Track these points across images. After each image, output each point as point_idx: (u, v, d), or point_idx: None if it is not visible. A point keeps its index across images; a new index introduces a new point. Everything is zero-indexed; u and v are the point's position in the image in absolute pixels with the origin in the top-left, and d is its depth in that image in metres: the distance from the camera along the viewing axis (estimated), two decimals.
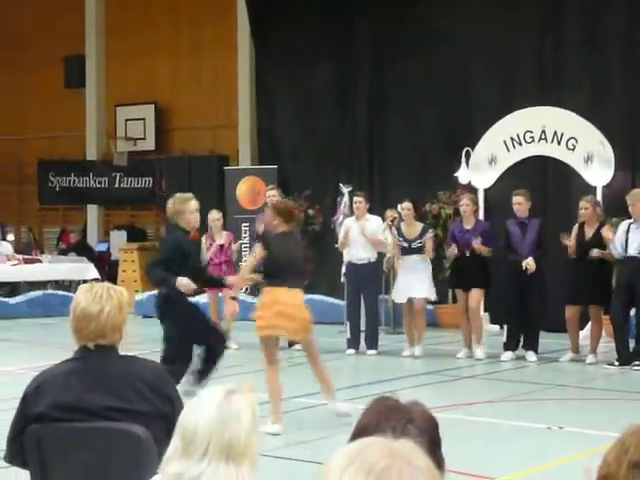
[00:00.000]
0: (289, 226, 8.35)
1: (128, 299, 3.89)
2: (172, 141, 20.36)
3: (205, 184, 17.51)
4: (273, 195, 13.15)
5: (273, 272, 8.10)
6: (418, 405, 2.53)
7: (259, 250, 8.23)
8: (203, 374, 8.37)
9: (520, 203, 11.71)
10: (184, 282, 8.15)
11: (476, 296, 12.00)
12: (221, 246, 13.13)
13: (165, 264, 8.27)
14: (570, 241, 11.43)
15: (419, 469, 1.53)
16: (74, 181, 21.24)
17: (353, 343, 12.54)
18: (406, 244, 12.27)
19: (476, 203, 12.52)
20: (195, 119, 19.68)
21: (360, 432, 2.46)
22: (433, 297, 12.64)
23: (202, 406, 2.61)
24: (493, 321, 13.76)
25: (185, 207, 8.41)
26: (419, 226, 12.36)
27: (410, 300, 12.29)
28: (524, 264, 11.39)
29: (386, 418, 2.45)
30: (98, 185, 20.94)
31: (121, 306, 3.78)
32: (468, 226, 12.10)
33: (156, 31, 20.13)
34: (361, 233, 12.24)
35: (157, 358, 7.83)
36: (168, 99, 20.16)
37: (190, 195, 8.63)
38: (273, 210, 8.53)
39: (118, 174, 20.63)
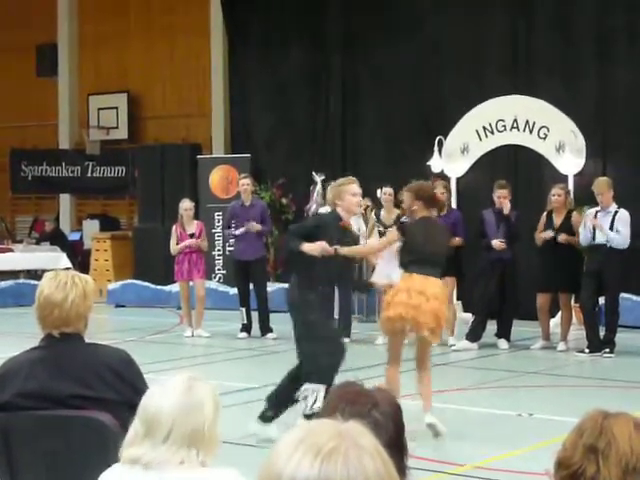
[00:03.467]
0: (430, 211, 7.61)
1: (93, 287, 3.87)
2: (145, 130, 20.26)
3: (178, 173, 17.47)
4: (247, 184, 13.22)
5: (410, 260, 7.45)
6: (382, 391, 2.56)
7: (393, 235, 7.61)
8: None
9: (505, 197, 11.75)
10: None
11: (449, 285, 12.05)
12: (191, 235, 13.12)
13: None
14: (543, 233, 11.51)
15: (366, 450, 1.54)
16: (46, 170, 21.10)
17: None
18: (383, 230, 12.36)
19: (450, 191, 12.60)
20: (168, 107, 19.61)
21: (325, 416, 2.48)
22: None
23: (165, 392, 2.62)
24: (466, 309, 13.81)
25: (346, 188, 7.55)
26: (395, 213, 12.47)
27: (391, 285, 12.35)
28: (494, 244, 11.51)
29: (352, 402, 2.47)
30: (70, 174, 20.82)
31: (86, 294, 3.76)
32: (441, 214, 12.14)
33: (128, 18, 20.02)
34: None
35: (128, 347, 7.80)
36: (141, 88, 20.06)
37: (352, 178, 7.84)
38: (412, 194, 7.63)
39: (91, 163, 20.51)
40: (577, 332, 11.94)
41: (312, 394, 7.19)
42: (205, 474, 2.60)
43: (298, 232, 7.55)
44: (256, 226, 12.88)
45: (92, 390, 3.67)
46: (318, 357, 7.20)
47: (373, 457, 1.53)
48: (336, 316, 12.67)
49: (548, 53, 14.75)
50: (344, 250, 7.51)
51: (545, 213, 11.72)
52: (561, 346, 11.54)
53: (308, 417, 7.06)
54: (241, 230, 12.91)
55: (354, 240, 7.90)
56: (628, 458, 1.99)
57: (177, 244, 13.09)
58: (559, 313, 11.99)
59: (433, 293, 7.31)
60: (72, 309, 3.71)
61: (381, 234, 12.43)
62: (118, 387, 3.70)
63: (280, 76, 17.19)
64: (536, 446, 6.92)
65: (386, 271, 12.32)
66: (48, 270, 4.20)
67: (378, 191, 12.84)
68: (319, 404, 7.03)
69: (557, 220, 11.52)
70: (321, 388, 7.16)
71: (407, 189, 7.76)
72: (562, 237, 11.26)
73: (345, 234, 7.59)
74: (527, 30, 15.01)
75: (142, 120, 20.23)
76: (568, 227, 11.39)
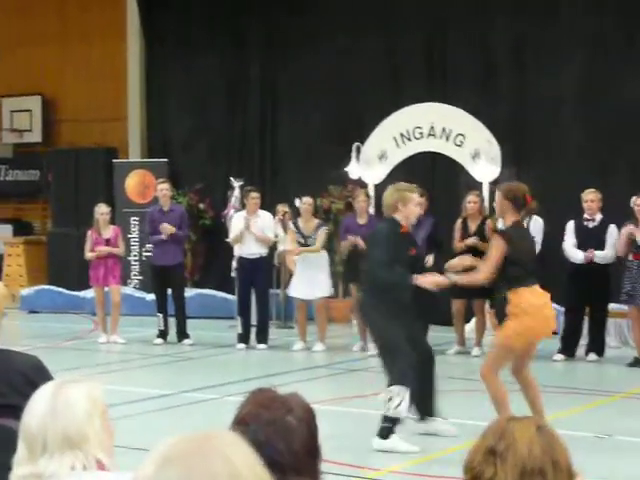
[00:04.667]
0: (519, 215, 7.27)
1: (2, 292, 3.78)
2: (59, 133, 19.94)
3: (93, 177, 17.26)
4: (166, 189, 13.13)
5: (522, 273, 7.27)
6: (296, 396, 2.57)
7: (502, 246, 7.13)
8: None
9: (421, 203, 11.85)
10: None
11: None
12: (107, 240, 12.97)
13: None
14: (467, 240, 11.64)
15: (209, 467, 1.54)
16: None
17: (244, 338, 12.52)
18: (302, 239, 12.40)
19: (370, 198, 12.86)
20: (83, 111, 19.31)
21: (239, 422, 2.47)
22: (330, 292, 12.73)
23: (33, 405, 2.57)
24: None
25: (412, 196, 7.44)
26: (315, 222, 12.53)
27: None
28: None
29: (266, 408, 2.47)
30: None
31: None
32: (362, 221, 12.23)
33: (42, 19, 19.67)
34: (246, 229, 12.31)
35: (41, 354, 7.66)
36: (55, 90, 19.73)
37: (414, 185, 7.69)
38: (505, 193, 7.24)
39: (3, 167, 20.11)
40: (491, 337, 12.08)
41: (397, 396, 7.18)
42: (99, 478, 2.55)
43: (389, 260, 7.26)
44: (170, 228, 12.77)
45: (2, 397, 3.59)
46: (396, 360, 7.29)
47: (216, 476, 1.53)
48: (253, 322, 12.67)
49: (465, 62, 14.93)
50: (459, 279, 7.59)
51: (460, 220, 11.87)
52: (475, 351, 11.68)
53: (389, 419, 7.15)
54: (165, 236, 12.79)
55: (413, 242, 7.82)
56: (525, 461, 1.99)
57: (92, 249, 12.94)
58: (474, 319, 12.13)
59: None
60: None
61: (301, 244, 12.44)
62: (29, 394, 3.61)
63: (198, 79, 17.08)
64: (450, 450, 6.98)
65: (302, 287, 12.38)
66: None
67: (297, 200, 12.84)
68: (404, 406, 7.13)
69: (472, 226, 11.66)
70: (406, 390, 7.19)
71: (498, 188, 7.50)
72: (471, 240, 11.40)
73: (406, 240, 7.57)
74: (444, 38, 15.18)
75: (57, 123, 19.91)
76: (482, 234, 11.53)
